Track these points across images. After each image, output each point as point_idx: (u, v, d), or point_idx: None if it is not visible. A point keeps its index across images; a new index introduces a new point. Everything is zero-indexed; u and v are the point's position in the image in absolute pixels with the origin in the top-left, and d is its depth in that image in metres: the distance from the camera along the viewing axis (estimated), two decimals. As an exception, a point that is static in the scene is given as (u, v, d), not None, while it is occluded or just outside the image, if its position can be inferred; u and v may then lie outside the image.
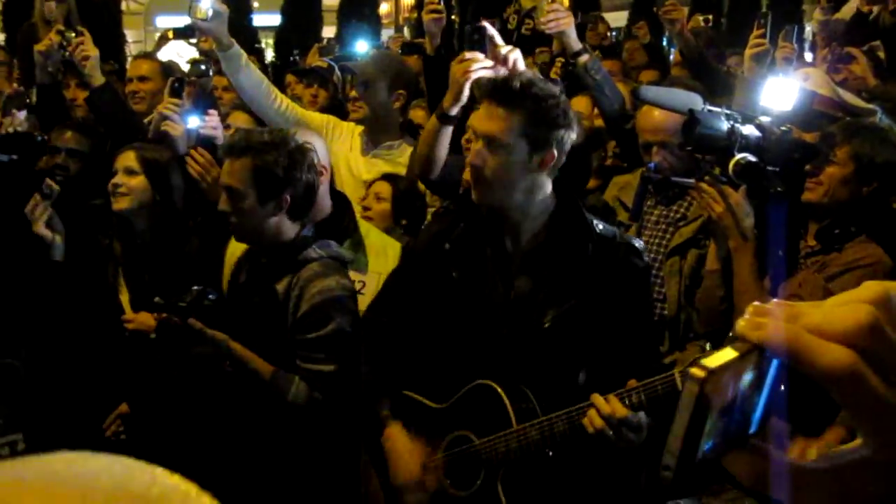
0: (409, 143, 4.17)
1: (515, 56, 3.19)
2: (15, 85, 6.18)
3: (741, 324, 0.64)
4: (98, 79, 4.19)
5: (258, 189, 2.97)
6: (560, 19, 3.90)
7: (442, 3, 4.38)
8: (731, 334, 0.65)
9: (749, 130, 2.91)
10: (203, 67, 5.24)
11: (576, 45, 3.94)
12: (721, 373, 0.63)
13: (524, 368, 2.65)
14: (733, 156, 2.89)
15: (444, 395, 2.76)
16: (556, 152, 2.60)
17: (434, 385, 2.79)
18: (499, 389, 2.63)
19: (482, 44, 3.18)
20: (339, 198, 3.54)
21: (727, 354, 0.64)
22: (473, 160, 2.60)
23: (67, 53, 4.26)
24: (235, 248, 3.45)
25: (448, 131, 3.44)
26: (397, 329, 2.91)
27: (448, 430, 2.76)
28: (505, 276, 2.71)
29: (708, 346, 2.44)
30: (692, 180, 3.12)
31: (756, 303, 0.65)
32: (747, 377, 0.65)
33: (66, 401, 3.34)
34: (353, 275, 3.31)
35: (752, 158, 2.86)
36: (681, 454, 0.62)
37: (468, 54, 3.17)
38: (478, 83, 2.70)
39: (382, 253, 3.46)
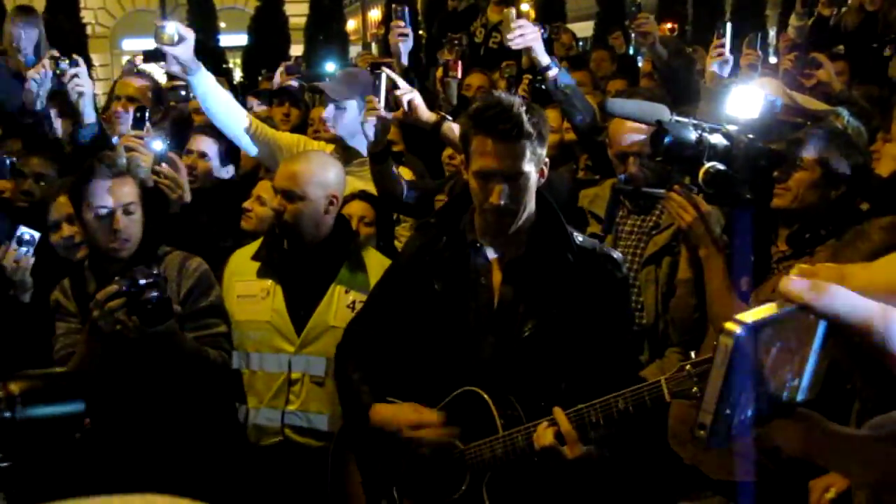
0: None
1: (411, 97, 3.61)
2: None
3: (784, 282, 0.61)
4: (89, 116, 4.14)
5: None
6: (526, 35, 3.86)
7: (408, 26, 4.39)
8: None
9: (717, 139, 2.95)
10: (183, 93, 5.22)
11: (544, 59, 3.92)
12: (759, 329, 0.60)
13: (508, 376, 2.70)
14: (702, 165, 2.93)
15: (430, 403, 2.79)
16: (544, 168, 2.74)
17: (419, 393, 2.82)
18: (485, 396, 2.67)
19: (378, 87, 3.63)
20: (339, 219, 3.56)
21: (766, 310, 0.61)
22: (502, 202, 2.64)
23: (61, 80, 4.20)
24: (237, 262, 3.54)
25: (386, 166, 3.74)
26: (381, 339, 2.96)
27: None
28: (488, 287, 2.76)
29: (693, 354, 2.48)
30: (663, 191, 3.16)
31: (801, 265, 0.62)
32: (792, 341, 0.62)
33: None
34: (354, 295, 3.36)
35: (721, 167, 2.90)
36: (716, 411, 0.60)
37: (368, 103, 3.64)
38: (471, 118, 2.71)
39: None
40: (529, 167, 2.64)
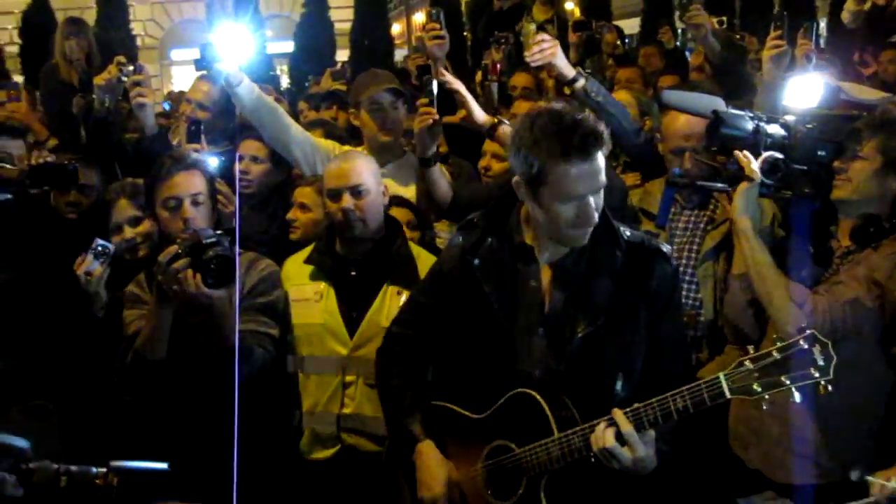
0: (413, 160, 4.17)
1: (466, 99, 3.74)
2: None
3: None
4: (150, 127, 4.17)
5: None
6: (545, 50, 3.73)
7: (444, 28, 4.36)
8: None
9: (774, 129, 2.90)
10: None
11: (569, 72, 3.77)
12: None
13: (560, 378, 2.65)
14: (759, 155, 2.87)
15: (482, 406, 2.76)
16: None
17: (470, 396, 2.79)
18: (538, 398, 2.63)
19: (430, 90, 3.68)
20: (390, 221, 3.56)
21: None
22: (595, 214, 2.58)
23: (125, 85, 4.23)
24: (290, 267, 3.56)
25: (434, 171, 3.72)
26: (424, 342, 2.94)
27: (488, 440, 2.76)
28: (538, 289, 2.72)
29: (752, 350, 2.42)
30: (721, 184, 3.09)
31: None
32: None
33: (98, 441, 3.37)
34: (407, 295, 3.32)
35: (779, 155, 2.84)
36: None
37: (420, 107, 3.67)
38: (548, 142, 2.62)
39: None
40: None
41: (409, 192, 4.09)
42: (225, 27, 3.96)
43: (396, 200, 3.91)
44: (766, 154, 2.85)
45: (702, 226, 3.50)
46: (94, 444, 3.27)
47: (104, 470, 1.91)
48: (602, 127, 2.53)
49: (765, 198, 3.06)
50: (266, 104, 4.14)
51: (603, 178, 2.56)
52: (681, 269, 3.44)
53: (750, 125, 2.87)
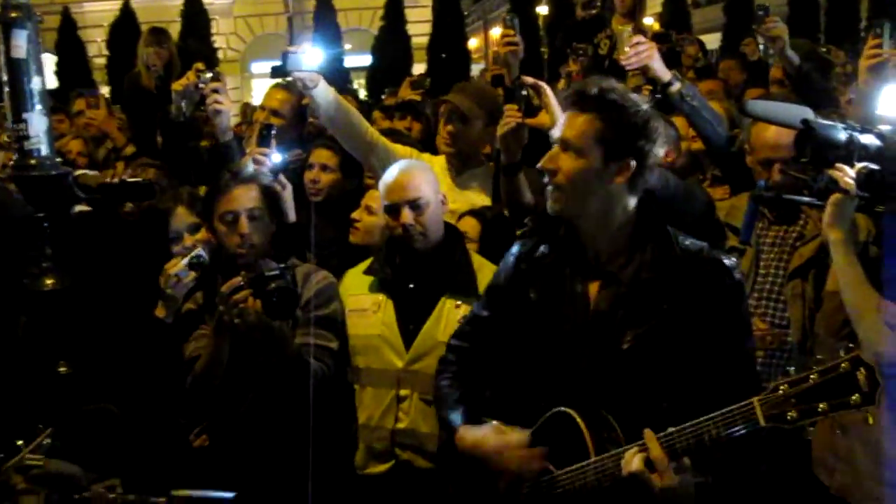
0: (491, 170, 4.12)
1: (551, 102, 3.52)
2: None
3: None
4: (224, 134, 4.17)
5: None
6: (641, 53, 3.68)
7: (518, 34, 4.27)
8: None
9: (868, 140, 2.74)
10: None
11: (665, 75, 3.72)
12: None
13: (606, 393, 2.51)
14: (852, 166, 2.72)
15: (527, 423, 2.65)
16: (633, 163, 2.48)
17: (517, 412, 2.69)
18: (577, 418, 2.50)
19: (518, 96, 3.58)
20: (450, 230, 3.50)
21: None
22: (546, 164, 2.53)
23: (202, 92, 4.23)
24: (350, 278, 3.54)
25: (518, 179, 3.59)
26: (480, 356, 2.87)
27: None
28: (583, 294, 2.60)
29: (792, 371, 2.25)
30: (808, 198, 2.95)
31: None
32: None
33: (160, 444, 3.38)
34: (465, 309, 3.26)
35: (874, 167, 2.68)
36: None
37: (507, 110, 3.54)
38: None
39: None
40: (591, 146, 2.46)
41: (486, 202, 4.03)
42: (304, 37, 3.94)
43: (473, 212, 3.87)
44: (860, 165, 2.70)
45: (790, 242, 3.35)
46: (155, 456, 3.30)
47: (164, 500, 1.85)
48: (608, 97, 2.46)
49: (858, 212, 2.90)
50: (342, 107, 4.10)
51: (573, 140, 2.48)
52: (767, 287, 3.32)
53: (843, 135, 2.72)
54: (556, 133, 2.56)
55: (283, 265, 3.15)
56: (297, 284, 3.17)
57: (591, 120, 2.47)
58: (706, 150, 4.26)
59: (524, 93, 3.61)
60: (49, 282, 3.45)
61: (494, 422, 2.71)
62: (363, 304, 3.45)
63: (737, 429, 2.24)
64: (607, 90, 2.47)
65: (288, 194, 3.72)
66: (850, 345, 2.26)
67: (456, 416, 2.79)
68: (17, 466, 1.89)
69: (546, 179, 2.57)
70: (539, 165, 2.56)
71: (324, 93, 3.98)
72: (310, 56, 3.85)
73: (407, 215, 3.33)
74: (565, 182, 2.51)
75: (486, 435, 2.69)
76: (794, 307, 3.25)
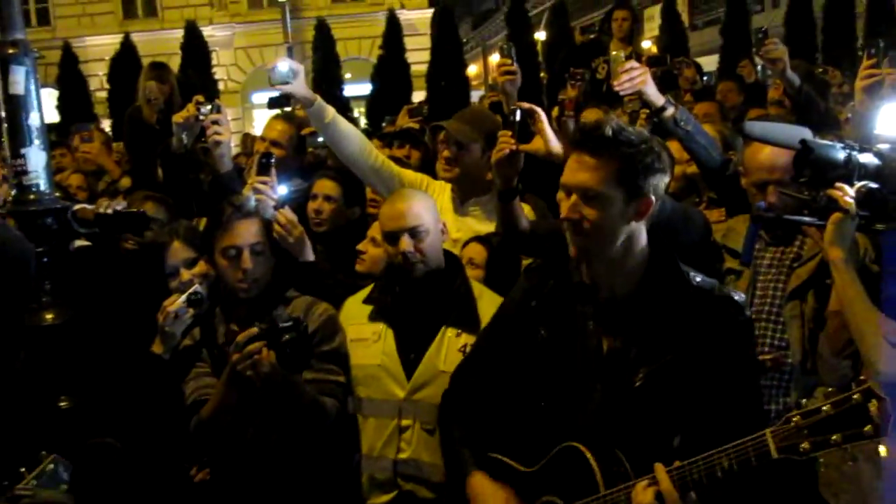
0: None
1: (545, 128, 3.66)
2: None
3: None
4: (224, 165, 4.16)
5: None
6: (635, 78, 3.66)
7: (515, 63, 4.28)
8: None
9: (867, 159, 2.74)
10: (321, 139, 5.26)
11: (658, 100, 3.70)
12: None
13: (616, 429, 2.51)
14: (852, 185, 2.72)
15: (535, 458, 2.64)
16: (652, 198, 2.53)
17: (524, 447, 2.69)
18: (587, 452, 2.50)
19: (513, 121, 3.58)
20: (450, 258, 3.48)
21: None
22: (569, 215, 2.51)
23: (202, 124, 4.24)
24: (350, 307, 3.52)
25: (513, 205, 3.53)
26: (486, 390, 2.85)
27: (537, 495, 2.64)
28: (596, 331, 2.60)
29: (804, 402, 2.25)
30: (809, 218, 2.94)
31: None
32: None
33: (160, 478, 3.36)
34: (466, 338, 3.25)
35: (874, 185, 2.68)
36: None
37: (501, 136, 3.49)
38: (568, 127, 2.61)
39: None
40: (612, 191, 2.46)
41: (490, 229, 4.00)
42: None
43: (479, 238, 3.87)
44: (859, 184, 2.70)
45: (788, 263, 3.33)
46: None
47: None
48: (618, 138, 2.45)
49: (858, 231, 2.89)
50: (345, 127, 4.11)
51: (594, 187, 2.47)
52: (765, 308, 3.30)
53: (841, 155, 2.72)
54: (569, 180, 2.54)
55: (296, 316, 3.15)
56: (309, 334, 3.15)
57: (607, 163, 2.47)
58: (703, 175, 4.26)
59: (519, 118, 3.61)
60: (49, 316, 3.47)
61: (506, 470, 2.71)
62: (363, 333, 3.42)
63: (749, 461, 2.24)
64: (619, 130, 2.47)
65: (301, 234, 3.69)
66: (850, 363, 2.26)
67: (465, 456, 2.78)
68: (8, 497, 1.88)
69: (566, 227, 2.55)
70: (563, 217, 2.53)
71: (323, 111, 4.00)
72: (288, 63, 3.90)
73: (406, 243, 3.31)
74: (591, 229, 2.51)
75: (496, 497, 2.69)
76: (793, 328, 3.23)
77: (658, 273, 2.58)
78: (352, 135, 4.14)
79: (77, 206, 3.54)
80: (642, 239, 2.58)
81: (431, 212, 3.43)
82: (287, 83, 3.92)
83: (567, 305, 2.65)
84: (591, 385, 2.56)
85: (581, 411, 2.56)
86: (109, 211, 3.46)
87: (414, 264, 3.33)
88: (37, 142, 3.52)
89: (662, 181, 2.54)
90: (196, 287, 3.48)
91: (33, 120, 3.52)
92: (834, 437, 2.15)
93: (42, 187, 3.50)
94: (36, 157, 3.52)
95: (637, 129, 2.54)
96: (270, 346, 3.03)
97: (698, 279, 2.60)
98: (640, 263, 2.59)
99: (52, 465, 2.30)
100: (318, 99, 4.01)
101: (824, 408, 2.18)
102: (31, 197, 3.49)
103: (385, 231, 3.42)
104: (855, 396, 2.14)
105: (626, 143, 2.45)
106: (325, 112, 4.01)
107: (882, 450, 2.15)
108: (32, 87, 3.53)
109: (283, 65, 3.92)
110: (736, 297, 2.61)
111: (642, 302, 2.56)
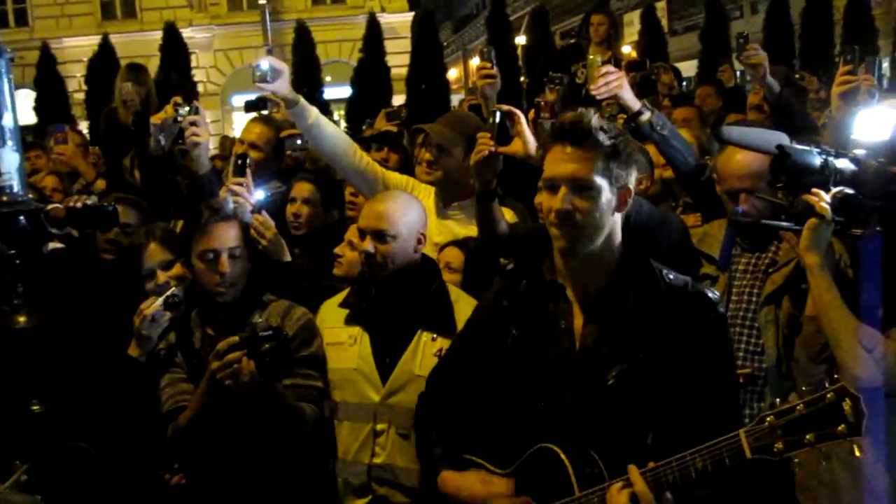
0: None
1: (524, 131, 3.59)
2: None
3: None
4: (202, 167, 4.13)
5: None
6: (611, 83, 3.66)
7: (495, 67, 4.28)
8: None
9: (843, 164, 2.75)
10: (299, 142, 5.23)
11: (634, 104, 3.72)
12: None
13: (590, 429, 2.50)
14: (828, 191, 2.73)
15: (509, 460, 2.63)
16: (632, 188, 2.54)
17: (499, 449, 2.67)
18: (560, 454, 2.49)
19: (493, 123, 3.59)
20: (426, 262, 3.48)
21: None
22: (562, 206, 2.47)
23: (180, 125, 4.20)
24: (326, 310, 3.50)
25: (492, 208, 3.54)
26: (461, 391, 2.84)
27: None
28: (567, 330, 2.59)
29: (778, 402, 2.23)
30: (786, 223, 2.94)
31: None
32: None
33: (135, 482, 3.33)
34: (441, 342, 3.24)
35: (850, 191, 2.69)
36: None
37: (480, 138, 3.49)
38: (544, 129, 2.61)
39: None
40: (602, 181, 2.46)
41: (472, 233, 3.97)
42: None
43: (457, 242, 3.86)
44: (835, 189, 2.71)
45: (763, 268, 3.34)
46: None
47: None
48: (605, 134, 2.46)
49: (834, 236, 2.90)
50: (328, 127, 4.08)
51: (585, 176, 2.45)
52: (740, 314, 3.30)
53: (818, 160, 2.72)
54: (557, 172, 2.52)
55: (276, 325, 3.13)
56: (289, 344, 3.13)
57: (592, 153, 2.47)
58: (678, 180, 4.27)
59: (498, 120, 3.61)
60: (21, 319, 3.42)
61: (479, 469, 2.70)
62: (339, 337, 3.41)
63: (723, 461, 2.23)
64: (600, 121, 2.48)
65: (275, 236, 3.66)
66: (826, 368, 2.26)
67: (437, 457, 2.78)
68: None
69: (556, 221, 2.51)
70: (555, 210, 2.50)
71: (304, 109, 3.97)
72: (271, 62, 3.88)
73: (368, 243, 3.32)
74: (583, 220, 2.49)
75: (472, 483, 2.68)
76: (768, 333, 3.23)
77: (631, 269, 2.58)
78: (336, 136, 4.12)
79: (50, 206, 3.51)
80: (619, 234, 2.59)
81: (410, 218, 3.40)
82: (270, 82, 3.89)
83: (539, 305, 2.64)
84: (564, 384, 2.55)
85: (554, 411, 2.55)
86: (79, 205, 3.43)
87: (371, 265, 3.33)
88: (10, 143, 3.48)
89: (635, 175, 2.56)
90: (174, 290, 3.46)
91: (6, 121, 3.48)
92: (808, 437, 2.15)
93: (15, 189, 3.45)
94: (9, 159, 3.47)
95: (612, 123, 2.55)
96: (250, 356, 3.01)
97: (671, 276, 2.59)
98: (615, 259, 2.58)
99: (24, 476, 2.27)
100: (302, 99, 3.99)
101: (798, 407, 2.18)
102: (4, 199, 3.44)
103: (358, 226, 3.44)
104: (828, 396, 2.14)
105: (607, 133, 2.47)
106: (309, 113, 3.99)
107: (857, 451, 2.14)
108: (6, 88, 3.49)
109: (266, 63, 3.89)
110: (709, 294, 2.61)
111: (615, 298, 2.55)
